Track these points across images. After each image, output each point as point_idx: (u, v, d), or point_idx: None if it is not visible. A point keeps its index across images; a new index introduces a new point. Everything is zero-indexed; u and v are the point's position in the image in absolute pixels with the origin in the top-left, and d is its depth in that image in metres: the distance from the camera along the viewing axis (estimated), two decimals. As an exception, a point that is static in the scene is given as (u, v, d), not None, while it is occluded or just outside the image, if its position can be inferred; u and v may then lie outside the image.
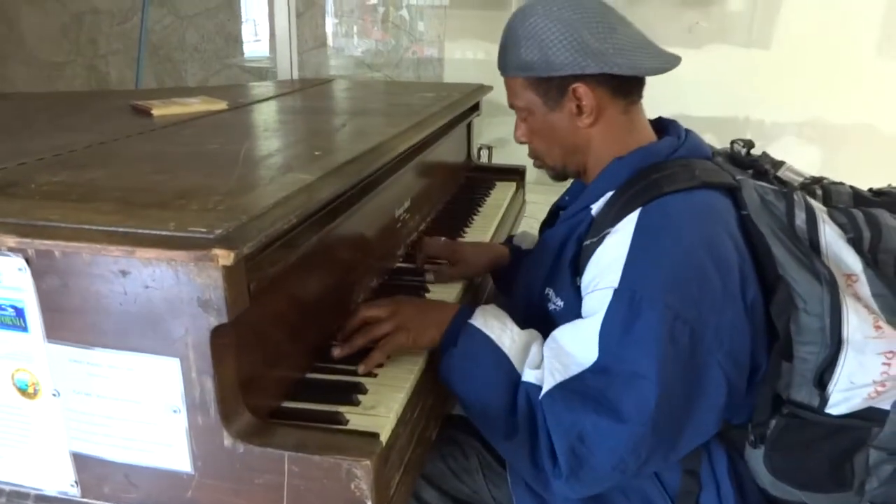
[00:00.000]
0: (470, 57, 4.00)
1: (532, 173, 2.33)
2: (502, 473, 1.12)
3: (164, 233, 0.73)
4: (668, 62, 1.03)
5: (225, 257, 0.69)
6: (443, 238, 1.43)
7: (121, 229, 0.74)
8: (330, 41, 4.13)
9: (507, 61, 1.07)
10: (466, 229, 1.66)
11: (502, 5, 3.90)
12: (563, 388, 0.92)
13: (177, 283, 0.73)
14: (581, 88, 1.01)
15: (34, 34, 4.03)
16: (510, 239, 1.49)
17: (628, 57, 1.00)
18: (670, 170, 0.99)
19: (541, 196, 2.81)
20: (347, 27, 4.20)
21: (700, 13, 3.48)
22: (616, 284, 0.91)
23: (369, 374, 0.99)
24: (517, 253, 1.41)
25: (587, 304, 0.96)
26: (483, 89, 2.09)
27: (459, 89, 2.00)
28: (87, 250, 0.73)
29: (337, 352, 1.02)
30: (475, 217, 1.76)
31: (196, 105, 1.59)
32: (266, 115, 1.61)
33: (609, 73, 1.00)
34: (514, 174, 2.15)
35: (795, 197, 0.97)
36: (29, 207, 0.82)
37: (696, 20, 3.46)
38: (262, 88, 2.10)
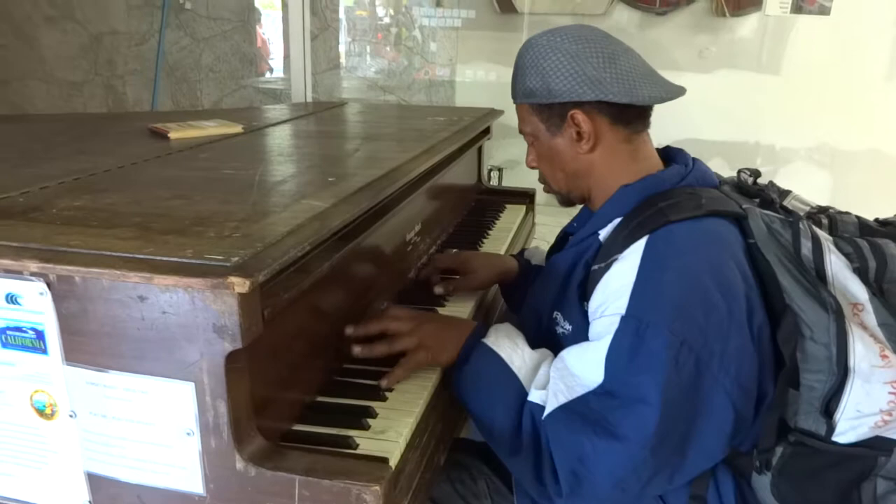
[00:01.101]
0: (481, 79, 4.04)
1: (542, 196, 2.35)
2: (510, 498, 1.13)
3: (181, 260, 0.75)
4: (669, 92, 1.06)
5: (241, 285, 0.71)
6: (454, 250, 1.46)
7: (139, 256, 0.76)
8: (343, 60, 4.19)
9: (515, 89, 1.12)
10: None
11: (514, 27, 3.94)
12: (566, 409, 0.94)
13: (193, 309, 0.75)
14: (579, 115, 1.05)
15: (54, 54, 4.11)
16: (522, 252, 1.52)
17: (625, 85, 1.03)
18: (677, 198, 1.01)
19: (550, 218, 2.83)
20: (360, 47, 4.25)
21: (710, 39, 3.51)
22: (623, 311, 0.92)
23: (380, 398, 1.00)
24: (526, 267, 1.44)
25: (594, 329, 0.98)
26: (494, 113, 2.11)
27: (470, 113, 2.03)
28: (107, 276, 0.75)
29: (357, 350, 1.05)
30: (485, 240, 1.77)
31: (212, 128, 1.63)
32: (280, 139, 1.64)
33: (606, 102, 1.03)
34: (524, 197, 2.16)
35: (801, 226, 0.99)
36: (50, 233, 0.84)
37: (707, 46, 3.50)
38: (276, 111, 2.14)
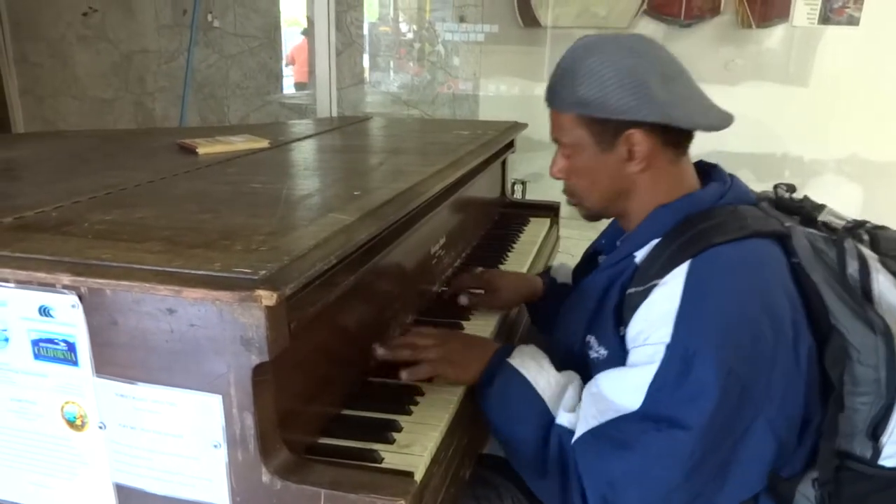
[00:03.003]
0: (505, 93, 4.05)
1: (566, 209, 2.34)
2: (538, 517, 1.11)
3: (210, 273, 0.76)
4: (724, 120, 1.01)
5: (268, 298, 0.72)
6: (479, 268, 1.45)
7: (168, 269, 0.77)
8: (367, 75, 4.22)
9: (560, 95, 1.04)
10: (501, 265, 1.67)
11: (537, 41, 3.95)
12: (595, 434, 0.92)
13: (221, 322, 0.76)
14: (637, 135, 0.99)
15: (86, 71, 4.21)
16: (547, 271, 1.49)
17: (687, 110, 0.99)
18: (719, 218, 0.98)
19: (575, 231, 2.81)
20: (384, 62, 4.29)
21: (736, 51, 3.48)
22: (668, 339, 0.90)
23: (405, 412, 1.00)
24: (552, 286, 1.42)
25: (635, 356, 0.95)
26: (518, 126, 2.11)
27: (494, 127, 2.03)
28: (137, 289, 0.76)
29: (381, 352, 1.06)
30: (509, 253, 1.76)
31: (239, 143, 1.65)
32: (306, 153, 1.66)
33: (664, 125, 0.99)
34: (549, 210, 2.15)
35: (847, 245, 0.96)
36: (82, 247, 0.86)
37: (733, 58, 3.47)
38: (301, 126, 2.16)
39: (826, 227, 1.04)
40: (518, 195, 2.45)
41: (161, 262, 0.79)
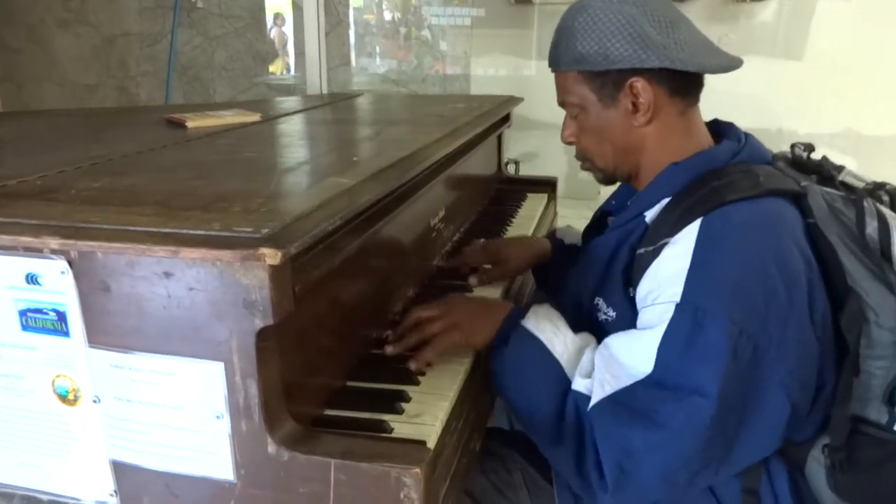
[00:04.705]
0: (496, 73, 4.00)
1: (562, 186, 2.31)
2: (548, 490, 1.08)
3: (208, 233, 0.71)
4: (732, 61, 0.99)
5: (272, 256, 0.67)
6: (482, 240, 1.41)
7: (164, 230, 0.73)
8: (353, 62, 4.16)
9: (560, 56, 1.02)
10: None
11: (525, 24, 3.90)
12: (613, 400, 0.88)
13: (221, 285, 0.71)
14: (639, 83, 0.97)
15: (67, 56, 4.12)
16: (553, 233, 1.46)
17: (690, 53, 0.96)
18: (731, 176, 0.95)
19: (571, 211, 2.79)
20: (370, 47, 4.23)
21: (729, 25, 3.45)
22: (678, 299, 0.86)
23: (412, 382, 0.96)
24: (560, 247, 1.38)
25: (645, 317, 0.92)
26: (513, 100, 2.07)
27: (490, 100, 1.99)
28: (132, 251, 0.72)
29: (390, 349, 1.01)
30: (508, 227, 1.73)
31: (230, 117, 1.59)
32: (300, 126, 1.61)
33: (669, 70, 0.96)
34: (546, 185, 2.12)
35: (866, 204, 0.93)
36: (71, 211, 0.81)
37: (726, 32, 3.43)
38: (292, 102, 2.11)
39: (845, 186, 1.00)
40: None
41: (155, 223, 0.74)
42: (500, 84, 3.91)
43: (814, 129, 3.47)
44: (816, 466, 0.95)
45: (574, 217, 1.73)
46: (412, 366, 0.98)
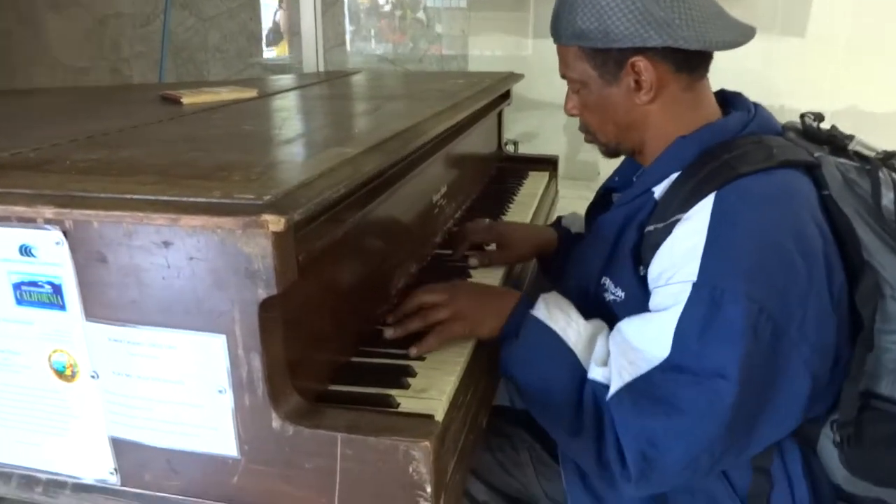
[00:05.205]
0: (494, 53, 3.96)
1: (560, 167, 2.28)
2: (556, 468, 1.06)
3: (209, 200, 0.69)
4: (743, 35, 0.94)
5: (275, 223, 0.65)
6: (486, 220, 1.38)
7: (163, 198, 0.70)
8: (348, 46, 4.12)
9: (560, 28, 0.98)
10: (503, 217, 1.61)
11: (521, 7, 3.86)
12: (631, 389, 0.86)
13: (223, 253, 0.69)
14: (641, 63, 0.93)
15: (58, 39, 4.05)
16: (559, 221, 1.42)
17: (696, 29, 0.91)
18: (743, 148, 0.91)
19: (570, 191, 2.76)
20: (365, 31, 4.18)
21: (728, 2, 3.41)
22: (694, 278, 0.84)
23: (417, 358, 0.94)
24: (567, 236, 1.35)
25: (658, 298, 0.89)
26: (514, 76, 2.04)
27: (490, 76, 1.96)
28: (129, 219, 0.69)
29: (390, 333, 0.97)
30: (510, 206, 1.71)
31: (225, 93, 1.56)
32: (298, 101, 1.58)
33: (673, 47, 0.91)
34: (547, 164, 2.09)
35: (881, 174, 0.90)
36: (66, 181, 0.78)
37: (727, 8, 3.39)
38: (289, 80, 2.07)
39: (858, 156, 0.98)
40: (511, 156, 2.39)
41: (154, 191, 0.72)
42: (498, 64, 3.86)
43: (815, 107, 3.42)
44: (828, 444, 0.93)
45: (573, 198, 1.71)
46: (413, 352, 0.94)
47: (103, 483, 0.83)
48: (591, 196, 1.23)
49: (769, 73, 3.33)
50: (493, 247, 1.31)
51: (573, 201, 1.41)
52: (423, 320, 0.98)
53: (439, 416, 0.80)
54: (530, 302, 0.98)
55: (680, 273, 0.86)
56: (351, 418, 0.74)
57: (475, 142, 1.78)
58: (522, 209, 1.69)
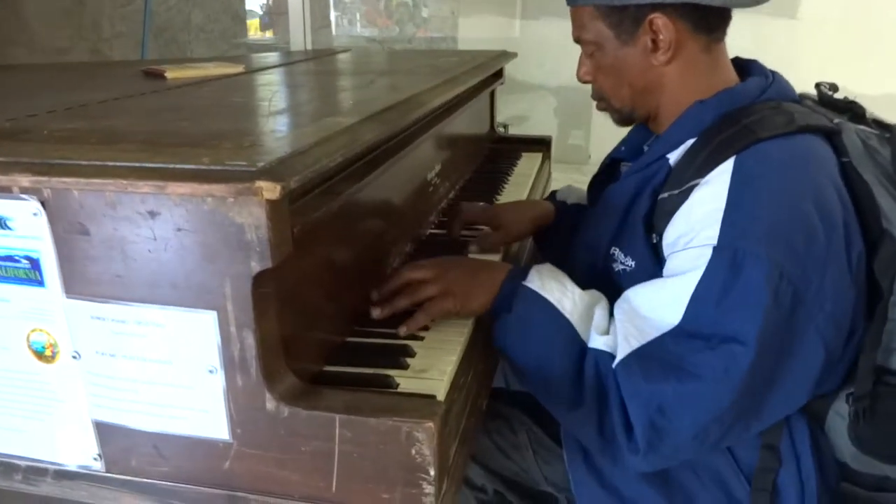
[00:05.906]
0: (479, 37, 3.90)
1: (553, 149, 2.25)
2: (556, 451, 1.03)
3: (198, 167, 0.64)
4: None
5: (270, 190, 0.61)
6: (480, 203, 1.34)
7: (149, 164, 0.66)
8: (333, 30, 4.04)
9: None
10: (498, 197, 1.57)
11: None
12: (640, 355, 0.82)
13: (213, 224, 0.64)
14: (660, 20, 0.90)
15: (37, 18, 3.94)
16: (553, 194, 1.39)
17: None
18: (761, 113, 0.89)
19: (561, 174, 2.72)
20: (350, 16, 4.12)
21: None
22: (714, 241, 0.81)
23: (414, 337, 0.91)
24: (563, 208, 1.32)
25: (675, 263, 0.86)
26: (507, 55, 2.00)
27: (483, 55, 1.92)
28: (112, 187, 0.65)
29: (377, 312, 0.93)
30: (505, 185, 1.67)
31: (211, 68, 1.50)
32: (288, 77, 1.52)
33: (692, 4, 0.89)
34: (540, 145, 2.06)
35: None
36: (44, 149, 0.73)
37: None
38: (276, 57, 2.02)
39: (877, 124, 0.95)
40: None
41: (139, 159, 0.67)
42: (487, 46, 3.80)
43: (808, 89, 3.43)
44: (837, 420, 0.91)
45: (565, 181, 1.68)
46: (402, 331, 0.90)
47: (87, 469, 0.79)
48: (583, 179, 1.20)
49: (760, 54, 3.29)
50: (487, 230, 1.28)
51: (565, 184, 1.40)
52: (410, 298, 0.94)
53: (441, 397, 0.77)
54: (522, 273, 0.94)
55: (699, 237, 0.83)
56: (350, 399, 0.70)
57: (468, 121, 1.74)
58: (517, 189, 1.66)
